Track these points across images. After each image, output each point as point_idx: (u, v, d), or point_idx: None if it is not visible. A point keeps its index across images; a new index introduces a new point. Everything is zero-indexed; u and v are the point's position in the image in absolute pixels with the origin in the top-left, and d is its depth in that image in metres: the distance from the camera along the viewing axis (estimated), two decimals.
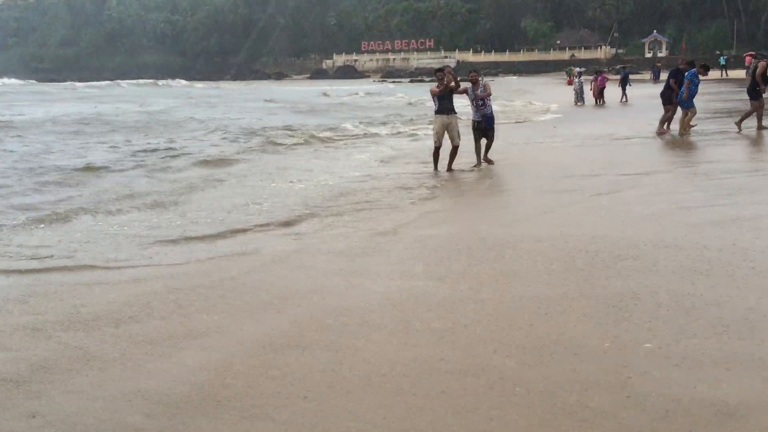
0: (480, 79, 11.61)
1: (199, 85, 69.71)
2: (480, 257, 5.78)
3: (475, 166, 11.43)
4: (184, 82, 76.07)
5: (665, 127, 14.98)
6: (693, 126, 14.74)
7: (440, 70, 11.17)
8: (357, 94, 44.07)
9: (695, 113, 14.60)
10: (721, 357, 3.61)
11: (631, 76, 32.27)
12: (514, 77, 72.94)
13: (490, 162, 11.53)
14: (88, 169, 12.19)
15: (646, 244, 5.80)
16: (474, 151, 11.51)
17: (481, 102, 11.44)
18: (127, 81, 74.44)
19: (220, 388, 3.52)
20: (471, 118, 11.81)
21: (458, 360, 3.74)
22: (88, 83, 66.26)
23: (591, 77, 30.00)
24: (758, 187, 8.47)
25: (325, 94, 43.06)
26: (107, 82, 71.74)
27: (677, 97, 14.48)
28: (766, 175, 9.62)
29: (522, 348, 3.85)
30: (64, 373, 3.78)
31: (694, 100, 14.30)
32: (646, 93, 26.54)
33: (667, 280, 4.87)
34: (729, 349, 3.71)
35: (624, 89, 28.31)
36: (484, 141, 11.56)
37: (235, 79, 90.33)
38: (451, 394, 3.36)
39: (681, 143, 13.68)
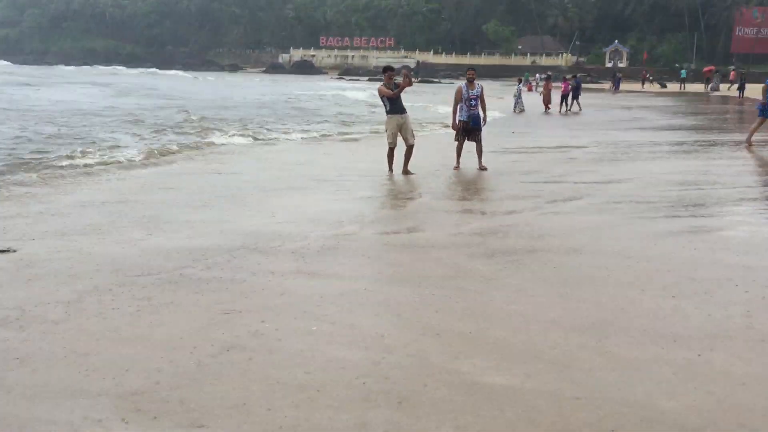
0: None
1: (132, 71, 67.15)
2: None
3: (455, 167, 11.18)
4: (122, 68, 74.16)
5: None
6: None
7: (389, 69, 10.80)
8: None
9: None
10: None
11: (588, 86, 31.63)
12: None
13: (483, 168, 11.11)
14: None
15: None
16: (455, 152, 11.31)
17: (473, 102, 11.25)
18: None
19: None
20: (458, 118, 11.42)
21: None
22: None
23: (545, 81, 29.92)
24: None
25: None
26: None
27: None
28: None
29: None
30: None
31: None
32: (601, 103, 26.03)
33: None
34: None
35: (576, 98, 27.87)
36: (470, 145, 11.25)
37: (186, 70, 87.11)
38: None
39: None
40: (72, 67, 78.46)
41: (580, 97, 28.20)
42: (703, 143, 15.66)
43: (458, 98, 11.28)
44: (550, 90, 28.22)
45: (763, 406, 3.16)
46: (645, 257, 5.67)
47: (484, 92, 11.39)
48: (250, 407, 3.17)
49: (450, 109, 11.88)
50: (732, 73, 51.78)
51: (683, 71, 58.67)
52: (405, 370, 3.55)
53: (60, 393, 3.29)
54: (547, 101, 27.56)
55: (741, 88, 38.76)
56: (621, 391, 3.31)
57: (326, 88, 49.01)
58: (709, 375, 3.49)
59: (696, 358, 3.67)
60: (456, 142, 11.39)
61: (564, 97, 27.11)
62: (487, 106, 11.55)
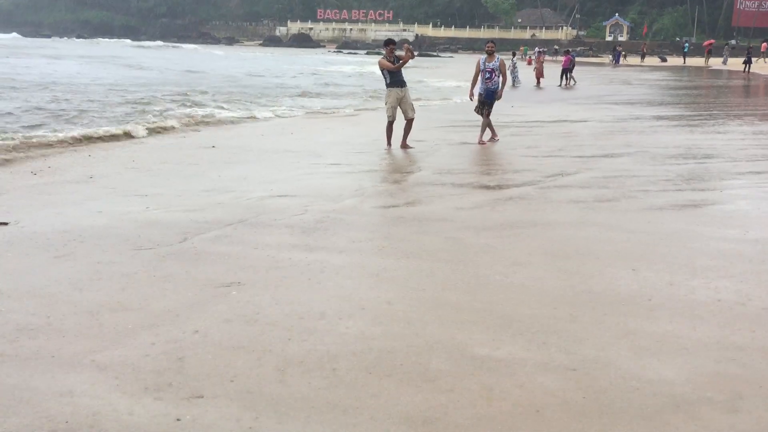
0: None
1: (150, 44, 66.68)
2: None
3: (480, 142, 11.28)
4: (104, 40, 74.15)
5: None
6: None
7: (390, 42, 10.72)
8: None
9: None
10: None
11: (588, 60, 31.51)
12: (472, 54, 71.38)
13: (482, 143, 11.28)
14: None
15: None
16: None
17: (488, 75, 11.36)
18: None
19: None
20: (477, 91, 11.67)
21: None
22: None
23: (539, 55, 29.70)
24: None
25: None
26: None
27: None
28: None
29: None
30: None
31: None
32: (600, 76, 25.78)
33: None
34: None
35: (570, 72, 27.80)
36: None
37: (182, 42, 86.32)
38: None
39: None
40: (81, 40, 77.99)
41: (573, 71, 28.19)
42: (702, 117, 15.64)
43: (477, 71, 11.51)
44: (542, 64, 28.12)
45: (750, 376, 3.20)
46: (642, 231, 5.68)
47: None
48: (249, 378, 3.19)
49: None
50: (763, 45, 51.09)
51: (686, 45, 58.18)
52: (405, 341, 3.57)
53: (59, 364, 3.32)
54: (539, 75, 27.51)
55: (747, 62, 38.28)
56: (616, 361, 3.35)
57: (343, 62, 48.61)
58: (699, 347, 3.52)
59: (689, 331, 3.71)
60: (477, 114, 11.59)
61: (564, 71, 27.08)
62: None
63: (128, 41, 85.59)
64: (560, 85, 26.35)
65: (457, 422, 2.83)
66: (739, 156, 9.84)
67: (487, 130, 11.53)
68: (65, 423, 2.81)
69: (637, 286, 4.39)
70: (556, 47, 48.74)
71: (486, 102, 11.43)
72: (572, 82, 27.20)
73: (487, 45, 11.70)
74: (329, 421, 2.85)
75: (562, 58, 29.13)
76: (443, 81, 29.92)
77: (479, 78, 11.50)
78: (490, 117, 11.49)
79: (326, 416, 2.88)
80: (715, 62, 48.92)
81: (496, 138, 11.55)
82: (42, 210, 6.43)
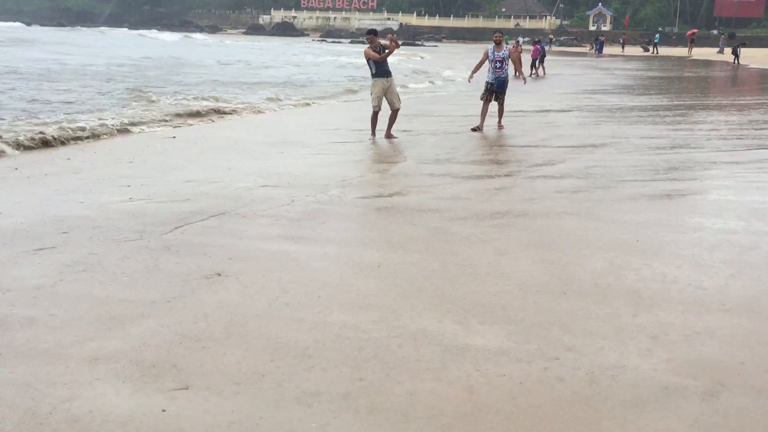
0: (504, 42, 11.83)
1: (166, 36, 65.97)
2: None
3: (475, 128, 11.46)
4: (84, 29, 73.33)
5: None
6: None
7: (373, 32, 10.78)
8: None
9: None
10: None
11: (570, 49, 31.57)
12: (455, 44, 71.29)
13: (501, 128, 11.79)
14: None
15: None
16: (480, 113, 11.68)
17: (498, 64, 11.58)
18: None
19: None
20: (485, 80, 11.86)
21: None
22: None
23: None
24: None
25: None
26: None
27: None
28: None
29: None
30: None
31: None
32: (581, 66, 25.50)
33: None
34: None
35: (542, 63, 27.94)
36: (494, 106, 11.80)
37: (164, 30, 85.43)
38: None
39: None
40: (88, 30, 76.72)
41: (544, 61, 28.35)
42: (683, 108, 15.78)
43: (484, 59, 11.79)
44: (519, 54, 28.12)
45: (730, 364, 3.26)
46: (624, 221, 5.74)
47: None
48: (234, 368, 3.20)
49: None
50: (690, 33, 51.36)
51: (657, 36, 58.33)
52: (388, 331, 3.61)
53: (43, 356, 3.31)
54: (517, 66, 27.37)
55: (735, 53, 38.18)
56: (598, 350, 3.39)
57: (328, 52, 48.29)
58: (679, 335, 3.58)
59: (670, 320, 3.76)
60: (482, 102, 11.78)
61: (534, 62, 27.22)
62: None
63: (125, 29, 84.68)
64: (530, 76, 26.27)
65: (439, 411, 2.87)
66: (720, 146, 9.95)
67: (487, 117, 11.71)
68: (49, 414, 2.81)
69: (619, 275, 4.44)
70: (551, 37, 48.54)
71: (497, 91, 11.71)
72: (542, 73, 27.32)
73: (495, 35, 11.95)
74: (313, 409, 2.87)
75: (556, 49, 29.26)
76: (429, 67, 29.95)
77: (489, 67, 11.67)
78: (504, 105, 11.97)
79: (311, 405, 2.91)
80: (699, 52, 49.25)
81: (501, 126, 11.80)
82: (23, 202, 6.38)
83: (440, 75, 28.04)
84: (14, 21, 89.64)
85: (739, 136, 11.20)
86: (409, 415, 2.84)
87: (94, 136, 10.63)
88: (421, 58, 43.19)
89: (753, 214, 5.92)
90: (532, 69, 27.04)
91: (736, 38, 45.44)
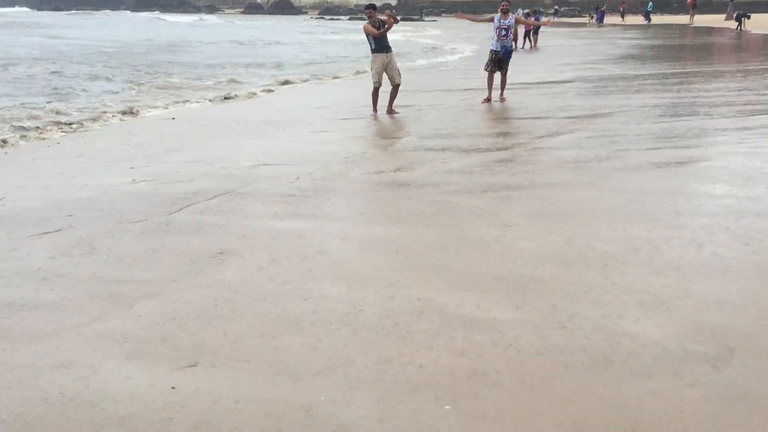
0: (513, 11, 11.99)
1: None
2: None
3: (485, 100, 11.43)
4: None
5: None
6: None
7: (371, 6, 10.63)
8: None
9: None
10: None
11: (568, 19, 31.15)
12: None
13: (503, 100, 11.62)
14: None
15: None
16: (486, 84, 11.61)
17: (504, 32, 11.41)
18: None
19: None
20: (490, 48, 11.74)
21: None
22: None
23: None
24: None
25: None
26: None
27: None
28: None
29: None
30: None
31: None
32: (582, 36, 25.22)
33: None
34: None
35: (536, 34, 27.58)
36: (497, 78, 11.62)
37: (163, 11, 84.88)
38: None
39: None
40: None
41: (539, 33, 28.03)
42: (687, 74, 15.62)
43: (489, 20, 11.64)
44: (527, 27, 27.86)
45: (738, 329, 3.25)
46: (629, 189, 5.70)
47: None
48: (242, 345, 3.21)
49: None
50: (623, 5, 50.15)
51: (650, 4, 57.24)
52: (396, 304, 3.60)
53: (53, 337, 3.32)
54: (515, 38, 27.02)
55: (738, 20, 37.78)
56: (605, 318, 3.38)
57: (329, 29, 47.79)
58: (687, 302, 3.56)
59: (677, 286, 3.74)
60: (486, 73, 11.66)
61: (527, 33, 26.89)
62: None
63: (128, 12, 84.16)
64: (522, 47, 25.95)
65: (444, 382, 2.87)
66: (725, 113, 9.85)
67: (492, 87, 11.62)
68: (60, 395, 2.82)
69: (625, 244, 4.42)
70: (556, 8, 48.07)
71: (502, 59, 11.49)
72: (535, 44, 27.02)
73: (503, 3, 11.64)
74: (320, 382, 2.87)
75: (567, 20, 28.92)
76: (433, 41, 29.73)
77: (494, 35, 11.47)
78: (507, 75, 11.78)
79: (318, 378, 2.91)
80: (701, 19, 48.55)
81: (503, 99, 11.65)
82: (27, 186, 6.37)
83: (444, 49, 27.87)
84: (11, 6, 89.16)
85: (745, 102, 11.10)
86: (414, 386, 2.85)
87: (93, 119, 10.62)
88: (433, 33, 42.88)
89: (760, 179, 5.88)
90: (525, 40, 26.79)
91: (738, 5, 44.41)
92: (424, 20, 67.84)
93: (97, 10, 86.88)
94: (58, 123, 10.13)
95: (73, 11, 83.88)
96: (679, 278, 3.86)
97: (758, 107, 10.41)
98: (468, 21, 13.22)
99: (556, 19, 30.04)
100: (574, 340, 3.19)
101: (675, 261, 4.11)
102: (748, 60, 21.14)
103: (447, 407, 2.68)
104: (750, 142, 7.61)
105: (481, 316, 3.46)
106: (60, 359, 3.11)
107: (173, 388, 2.86)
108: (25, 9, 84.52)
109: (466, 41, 29.68)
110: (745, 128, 8.55)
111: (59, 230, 4.93)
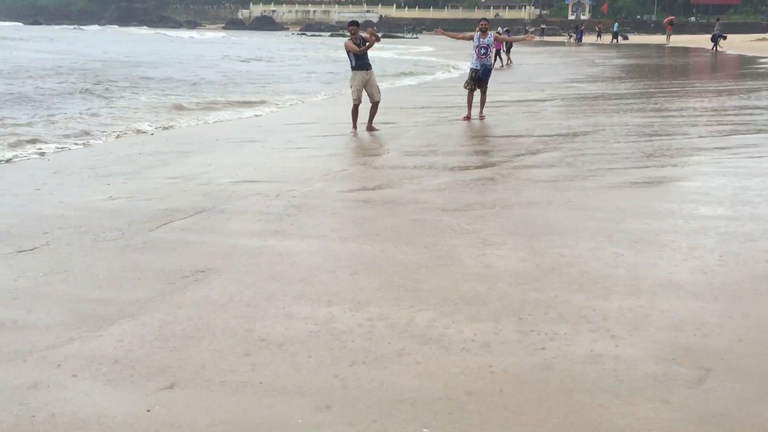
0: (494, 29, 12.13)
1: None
2: None
3: (465, 118, 11.55)
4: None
5: None
6: None
7: (354, 24, 10.78)
8: None
9: None
10: None
11: (547, 38, 31.52)
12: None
13: (482, 118, 11.74)
14: None
15: None
16: (466, 103, 11.74)
17: (484, 51, 11.60)
18: None
19: None
20: (470, 67, 11.90)
21: None
22: None
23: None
24: None
25: None
26: None
27: None
28: None
29: None
30: None
31: None
32: (560, 55, 25.38)
33: None
34: None
35: (508, 52, 27.92)
36: (477, 96, 11.74)
37: (141, 26, 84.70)
38: None
39: None
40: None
41: (510, 51, 28.31)
42: (663, 95, 15.86)
43: (468, 38, 11.84)
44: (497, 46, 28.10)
45: (714, 349, 3.28)
46: (606, 208, 5.75)
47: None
48: (218, 366, 3.17)
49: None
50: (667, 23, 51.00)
51: (616, 24, 57.91)
52: (376, 324, 3.58)
53: (26, 358, 3.26)
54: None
55: (714, 41, 38.28)
56: (584, 339, 3.39)
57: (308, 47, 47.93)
58: (664, 322, 3.59)
59: (654, 307, 3.77)
60: (466, 91, 11.80)
61: (498, 52, 27.04)
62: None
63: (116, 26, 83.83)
64: (497, 66, 26.12)
65: (424, 402, 2.86)
66: (701, 132, 10.01)
67: (472, 105, 11.74)
68: (31, 418, 2.76)
69: (602, 263, 4.45)
70: (543, 26, 48.49)
71: (482, 78, 11.66)
72: (509, 63, 27.28)
73: (481, 22, 11.86)
74: (294, 403, 2.84)
75: (548, 39, 29.17)
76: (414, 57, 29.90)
77: (474, 54, 11.62)
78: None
79: (292, 399, 2.88)
80: (677, 39, 49.34)
81: (482, 116, 11.76)
82: (1, 203, 6.28)
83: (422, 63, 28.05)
84: None
85: (720, 122, 11.29)
86: (392, 406, 2.83)
87: (66, 136, 10.50)
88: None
89: (737, 199, 5.97)
90: (497, 58, 26.93)
91: (718, 26, 45.14)
92: (405, 37, 68.31)
93: (78, 24, 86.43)
94: (33, 141, 9.97)
95: (57, 26, 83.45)
96: (656, 298, 3.88)
97: (733, 127, 10.59)
98: (447, 38, 13.36)
99: (541, 38, 30.30)
100: (552, 360, 3.20)
101: (652, 281, 4.14)
102: (722, 79, 21.54)
103: (425, 430, 2.67)
104: (726, 162, 7.73)
105: (457, 336, 3.45)
106: (32, 381, 3.05)
107: (148, 411, 2.81)
108: (18, 24, 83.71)
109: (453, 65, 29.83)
110: (721, 148, 8.69)
111: (34, 248, 4.86)
